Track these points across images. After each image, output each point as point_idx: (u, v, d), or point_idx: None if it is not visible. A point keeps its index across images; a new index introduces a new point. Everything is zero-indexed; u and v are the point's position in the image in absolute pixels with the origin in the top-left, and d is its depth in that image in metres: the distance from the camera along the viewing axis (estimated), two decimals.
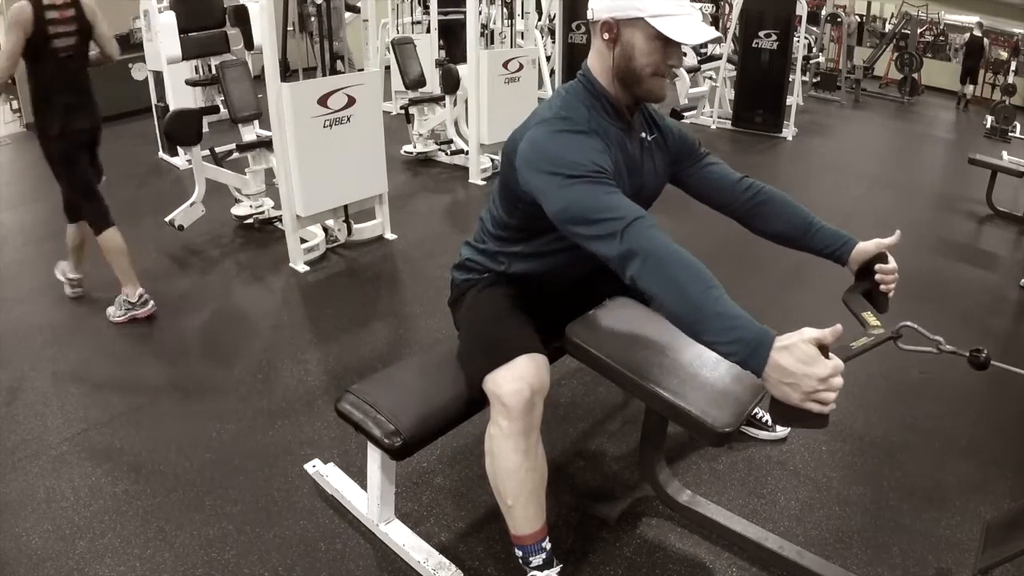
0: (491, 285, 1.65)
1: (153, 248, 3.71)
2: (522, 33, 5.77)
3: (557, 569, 1.53)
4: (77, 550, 1.73)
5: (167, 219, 3.63)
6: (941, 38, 13.17)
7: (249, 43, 4.45)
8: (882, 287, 1.49)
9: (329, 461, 2.04)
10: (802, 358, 1.04)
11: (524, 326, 1.54)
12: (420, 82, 5.83)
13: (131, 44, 6.91)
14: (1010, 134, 6.51)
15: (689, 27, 1.32)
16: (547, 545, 1.52)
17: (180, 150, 5.07)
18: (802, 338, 1.06)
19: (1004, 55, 11.96)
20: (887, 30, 12.02)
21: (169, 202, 3.85)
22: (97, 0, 2.73)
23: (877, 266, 1.49)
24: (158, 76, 5.18)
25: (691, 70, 6.64)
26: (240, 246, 3.83)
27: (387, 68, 6.84)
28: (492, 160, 5.25)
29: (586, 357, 1.52)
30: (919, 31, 11.35)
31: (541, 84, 6.31)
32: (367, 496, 1.79)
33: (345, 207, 3.66)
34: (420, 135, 5.60)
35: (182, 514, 1.87)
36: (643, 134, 1.54)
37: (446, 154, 5.53)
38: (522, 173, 1.37)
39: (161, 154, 5.60)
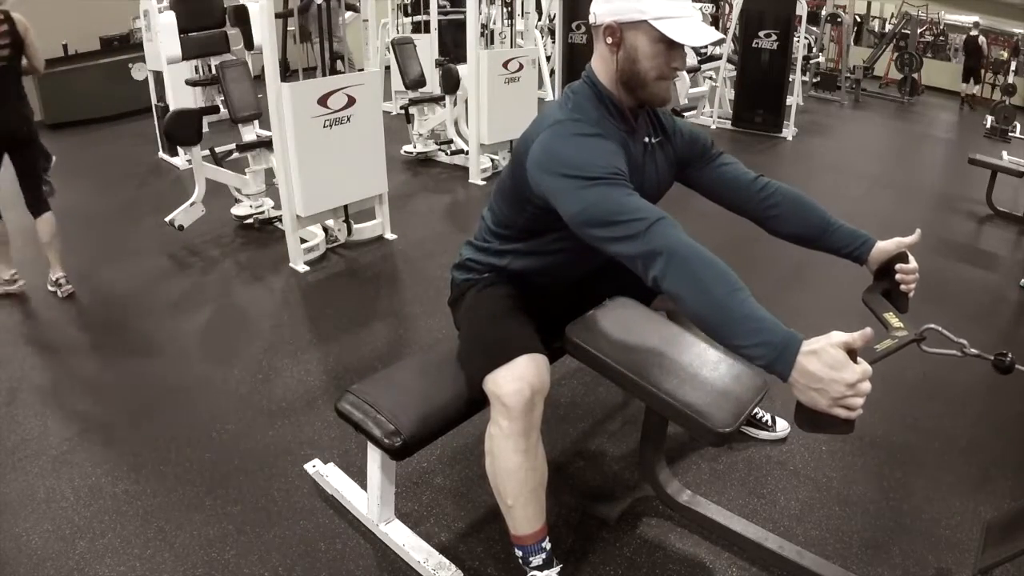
0: (491, 285, 1.64)
1: (153, 248, 3.72)
2: (522, 33, 5.77)
3: (557, 569, 1.53)
4: (77, 550, 1.74)
5: (167, 219, 3.63)
6: (941, 38, 13.17)
7: (249, 43, 4.46)
8: (902, 287, 1.47)
9: (329, 461, 2.04)
10: (830, 363, 1.02)
11: (524, 326, 1.54)
12: (420, 82, 5.84)
13: (131, 44, 6.92)
14: (1010, 134, 6.50)
15: (693, 29, 1.32)
16: (547, 545, 1.52)
17: (180, 150, 5.06)
18: (830, 342, 1.03)
19: (1004, 55, 11.96)
20: (887, 30, 12.02)
21: (169, 202, 3.86)
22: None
23: (898, 266, 1.47)
24: (158, 76, 5.18)
25: (691, 70, 6.65)
26: (240, 246, 3.83)
27: (387, 68, 6.85)
28: (492, 160, 5.26)
29: (586, 357, 1.51)
30: (919, 31, 11.35)
31: (541, 84, 6.31)
32: (367, 496, 1.79)
33: (345, 207, 3.66)
34: (420, 135, 5.61)
35: (182, 514, 1.87)
36: (646, 137, 1.54)
37: (446, 154, 5.53)
38: (534, 176, 1.36)
39: (161, 154, 5.60)
